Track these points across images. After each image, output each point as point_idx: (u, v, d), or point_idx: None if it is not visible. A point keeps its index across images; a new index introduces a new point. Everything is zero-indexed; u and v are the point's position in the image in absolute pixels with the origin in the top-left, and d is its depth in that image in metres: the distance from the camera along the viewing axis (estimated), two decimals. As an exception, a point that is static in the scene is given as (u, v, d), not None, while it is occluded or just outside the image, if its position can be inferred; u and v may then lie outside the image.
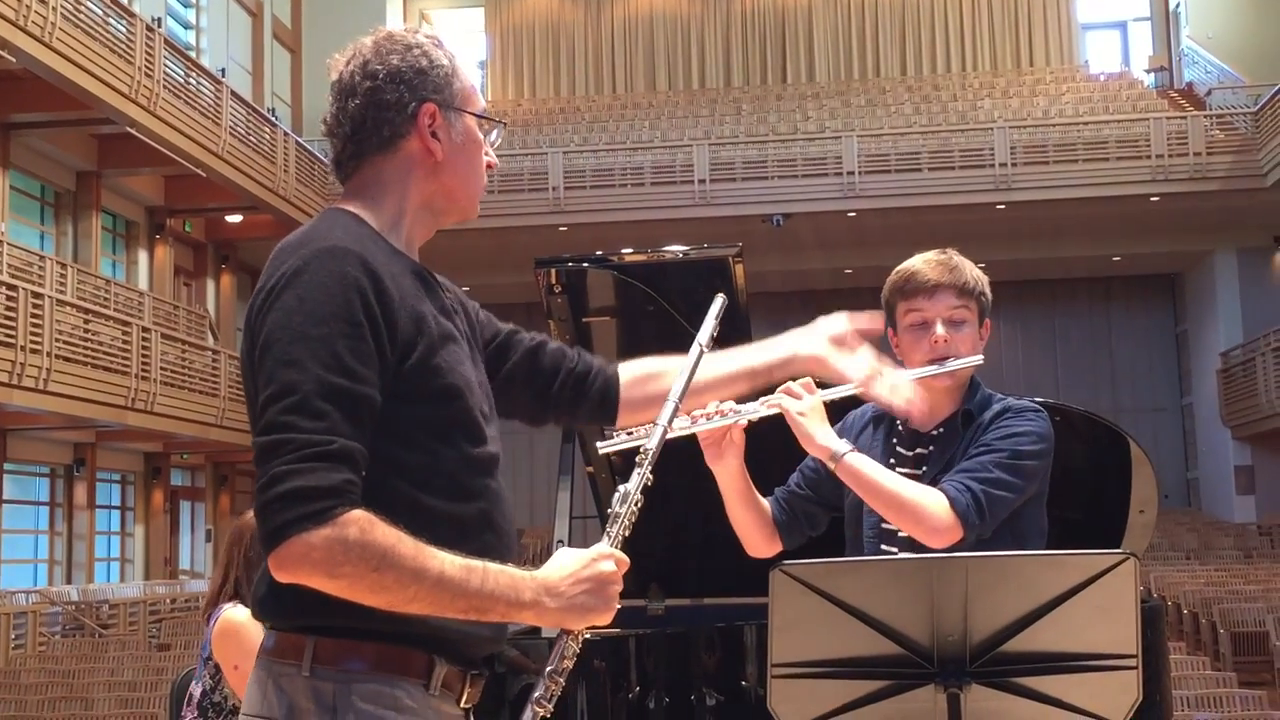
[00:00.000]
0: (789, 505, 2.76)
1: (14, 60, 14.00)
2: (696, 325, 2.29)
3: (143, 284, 19.39)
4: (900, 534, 2.61)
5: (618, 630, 3.47)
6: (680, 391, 2.19)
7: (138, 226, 19.72)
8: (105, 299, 17.16)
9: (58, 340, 14.24)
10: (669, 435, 2.14)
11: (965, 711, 2.11)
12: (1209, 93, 24.13)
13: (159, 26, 17.05)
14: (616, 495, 2.01)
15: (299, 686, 1.79)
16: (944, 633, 2.08)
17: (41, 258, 15.99)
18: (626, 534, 1.97)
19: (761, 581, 2.11)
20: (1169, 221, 21.39)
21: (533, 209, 20.95)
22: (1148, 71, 26.86)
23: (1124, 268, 24.08)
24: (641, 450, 2.09)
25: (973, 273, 2.71)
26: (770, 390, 2.42)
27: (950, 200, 20.54)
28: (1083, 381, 24.43)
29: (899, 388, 2.36)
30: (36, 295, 14.03)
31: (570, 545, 4.08)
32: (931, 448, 2.65)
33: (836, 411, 2.62)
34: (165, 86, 16.63)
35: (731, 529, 2.74)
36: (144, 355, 16.17)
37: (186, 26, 22.03)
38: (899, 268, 2.74)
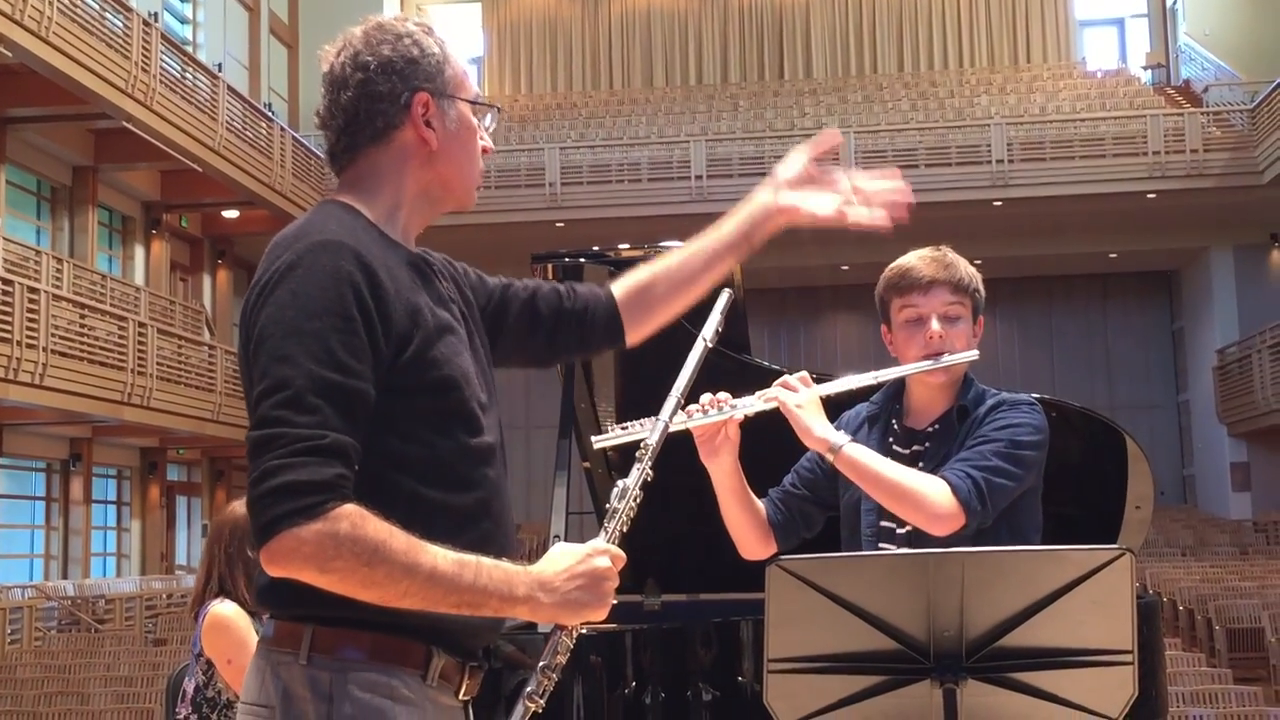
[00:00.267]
0: (785, 505, 2.75)
1: (10, 55, 13.98)
2: (692, 321, 2.29)
3: (139, 279, 19.38)
4: (899, 531, 2.61)
5: (614, 625, 3.47)
6: (683, 387, 2.19)
7: (134, 222, 19.70)
8: (101, 294, 17.15)
9: (54, 335, 14.23)
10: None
11: (961, 707, 2.11)
12: (1206, 90, 24.14)
13: (156, 21, 17.03)
14: (615, 490, 2.01)
15: (296, 675, 1.79)
16: (940, 628, 2.08)
17: (38, 253, 15.98)
18: (624, 529, 1.97)
19: (758, 577, 2.11)
20: (1166, 218, 21.40)
21: (530, 205, 20.94)
22: (1145, 68, 26.86)
23: (1121, 264, 24.09)
24: (642, 445, 2.09)
25: (967, 269, 2.71)
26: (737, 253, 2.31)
27: (947, 197, 20.52)
28: (1079, 378, 24.45)
29: (876, 196, 2.25)
30: (32, 290, 14.01)
31: (567, 541, 4.08)
32: (927, 444, 2.64)
33: (831, 409, 2.62)
34: (162, 81, 16.60)
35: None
36: (140, 350, 16.15)
37: (183, 21, 22.00)
38: (893, 264, 2.74)
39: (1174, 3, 26.43)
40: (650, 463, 2.07)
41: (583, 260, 4.10)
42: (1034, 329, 25.13)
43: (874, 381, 2.61)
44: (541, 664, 1.87)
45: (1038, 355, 25.07)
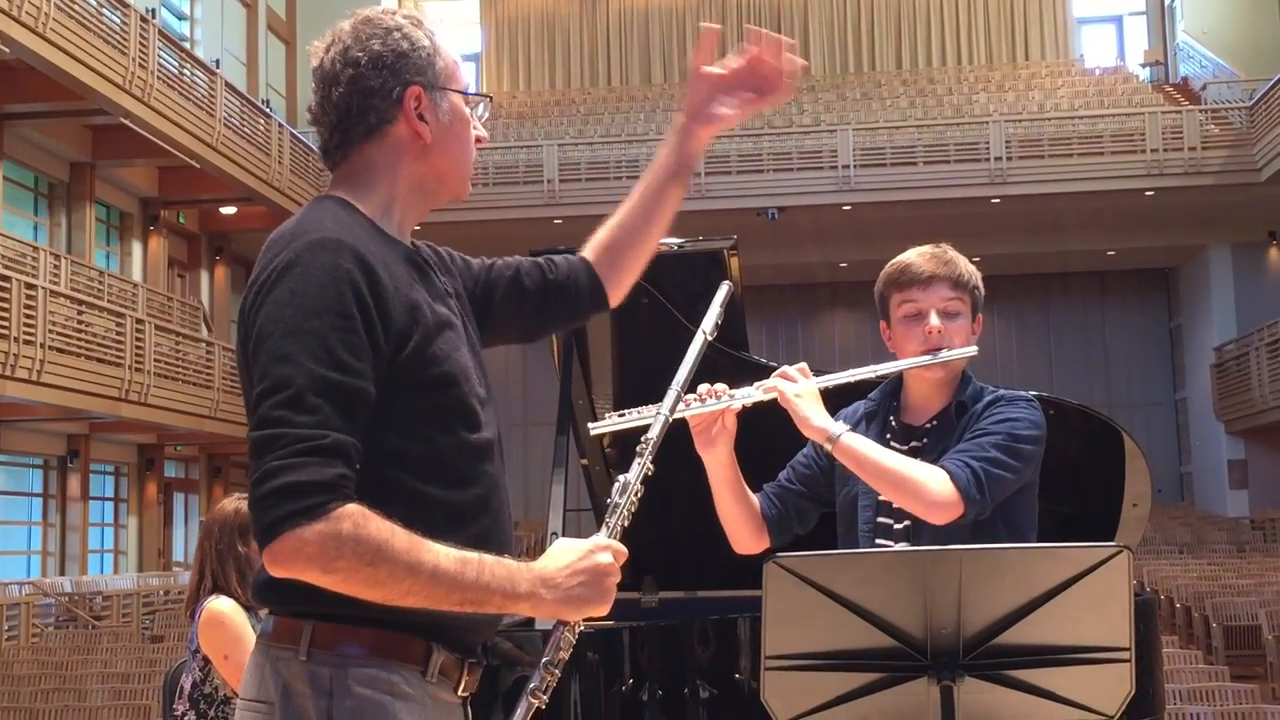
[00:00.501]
0: (780, 500, 2.75)
1: (8, 51, 13.97)
2: (691, 317, 2.29)
3: (136, 275, 19.37)
4: (896, 527, 2.61)
5: (611, 623, 3.47)
6: (684, 379, 2.19)
7: (131, 218, 19.68)
8: (99, 290, 17.14)
9: (51, 331, 14.23)
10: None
11: (958, 704, 2.11)
12: (1204, 87, 24.14)
13: (153, 17, 17.00)
14: (616, 485, 2.01)
15: (296, 670, 1.79)
16: (937, 625, 2.08)
17: (35, 249, 15.97)
18: (625, 525, 1.97)
19: (755, 574, 2.11)
20: (1164, 216, 21.41)
21: (528, 201, 20.94)
22: (1143, 66, 26.87)
23: (1119, 262, 24.10)
24: (642, 440, 2.09)
25: (967, 267, 2.71)
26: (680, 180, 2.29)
27: (945, 194, 20.54)
28: (1077, 376, 24.46)
29: (786, 70, 2.22)
30: (30, 286, 14.01)
31: (565, 538, 4.07)
32: (925, 440, 2.64)
33: (829, 406, 2.62)
34: (159, 78, 16.59)
35: (726, 521, 2.74)
36: (138, 347, 16.15)
37: (181, 18, 21.98)
38: (893, 261, 2.74)
39: (1172, 0, 26.43)
40: (651, 457, 2.06)
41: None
42: (1032, 326, 25.14)
43: (872, 375, 2.62)
44: (544, 660, 1.86)
45: (1035, 352, 25.08)
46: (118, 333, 15.86)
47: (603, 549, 1.88)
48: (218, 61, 20.12)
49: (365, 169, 1.95)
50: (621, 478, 2.02)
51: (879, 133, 21.67)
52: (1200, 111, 21.17)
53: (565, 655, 1.88)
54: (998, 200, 20.65)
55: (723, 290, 2.35)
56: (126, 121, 16.29)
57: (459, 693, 1.90)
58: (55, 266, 16.11)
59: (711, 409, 2.52)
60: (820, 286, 24.82)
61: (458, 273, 2.10)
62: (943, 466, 2.49)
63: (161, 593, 17.17)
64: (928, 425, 2.67)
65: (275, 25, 24.93)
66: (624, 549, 1.91)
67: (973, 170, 20.62)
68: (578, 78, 27.83)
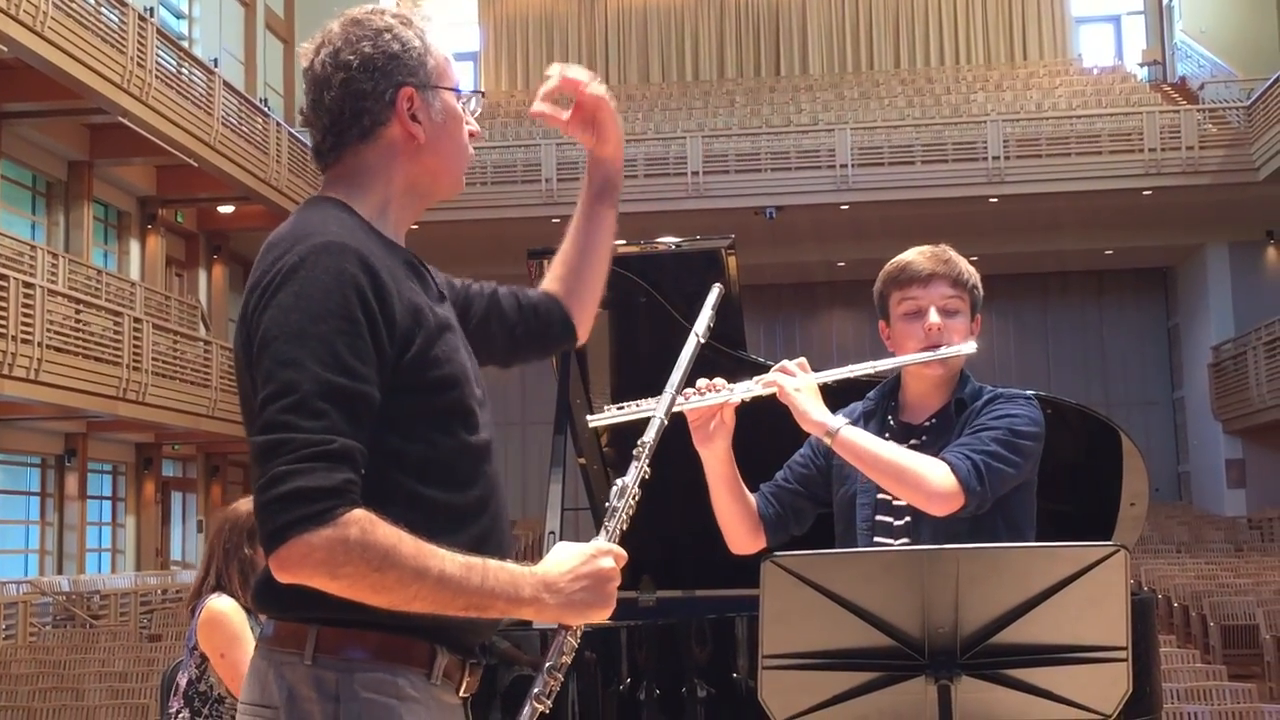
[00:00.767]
0: (777, 500, 2.75)
1: (5, 50, 13.95)
2: (688, 316, 2.29)
3: (134, 274, 19.35)
4: (896, 524, 2.61)
5: (609, 622, 3.47)
6: (678, 382, 2.19)
7: (129, 216, 19.67)
8: (97, 289, 17.13)
9: (49, 330, 14.21)
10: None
11: (956, 703, 2.11)
12: (1202, 87, 24.15)
13: (151, 16, 16.99)
14: (614, 489, 2.01)
15: (300, 675, 1.79)
16: (935, 624, 2.08)
17: (33, 247, 15.96)
18: (624, 528, 1.97)
19: (753, 573, 2.11)
20: (1161, 215, 21.42)
21: (526, 200, 20.94)
22: (1141, 65, 26.88)
23: (1116, 261, 24.11)
24: (639, 444, 2.09)
25: (966, 266, 2.73)
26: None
27: (943, 193, 20.55)
28: (1074, 375, 24.47)
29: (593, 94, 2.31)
30: (28, 285, 13.99)
31: (562, 537, 4.08)
32: (925, 437, 2.64)
33: (827, 406, 2.62)
34: (157, 76, 16.57)
35: (724, 520, 2.73)
36: (135, 346, 16.14)
37: (179, 16, 21.97)
38: (892, 260, 2.75)
39: (1170, 0, 26.44)
40: (648, 460, 2.06)
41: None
42: (1030, 325, 25.16)
43: (872, 371, 2.62)
44: (548, 664, 1.87)
45: (1033, 352, 25.09)
46: (115, 332, 15.85)
47: (605, 554, 1.88)
48: (216, 60, 20.13)
49: (359, 170, 1.95)
50: (619, 481, 2.02)
51: (877, 132, 21.68)
52: (1198, 111, 21.18)
53: (568, 660, 1.88)
54: (995, 200, 20.66)
55: (714, 293, 2.36)
56: (124, 120, 16.28)
57: (460, 693, 1.90)
58: (53, 265, 16.09)
59: (710, 403, 2.52)
60: (818, 286, 24.83)
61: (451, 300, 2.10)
62: (943, 458, 2.50)
63: (159, 592, 17.17)
64: (927, 423, 2.67)
65: (274, 24, 24.92)
66: (624, 554, 1.91)
67: (970, 170, 20.63)
68: (576, 77, 27.80)
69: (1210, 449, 22.89)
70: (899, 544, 2.58)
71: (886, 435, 2.69)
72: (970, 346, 2.64)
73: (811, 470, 2.76)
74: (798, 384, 2.54)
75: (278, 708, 1.79)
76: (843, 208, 21.02)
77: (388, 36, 1.93)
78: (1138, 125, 20.61)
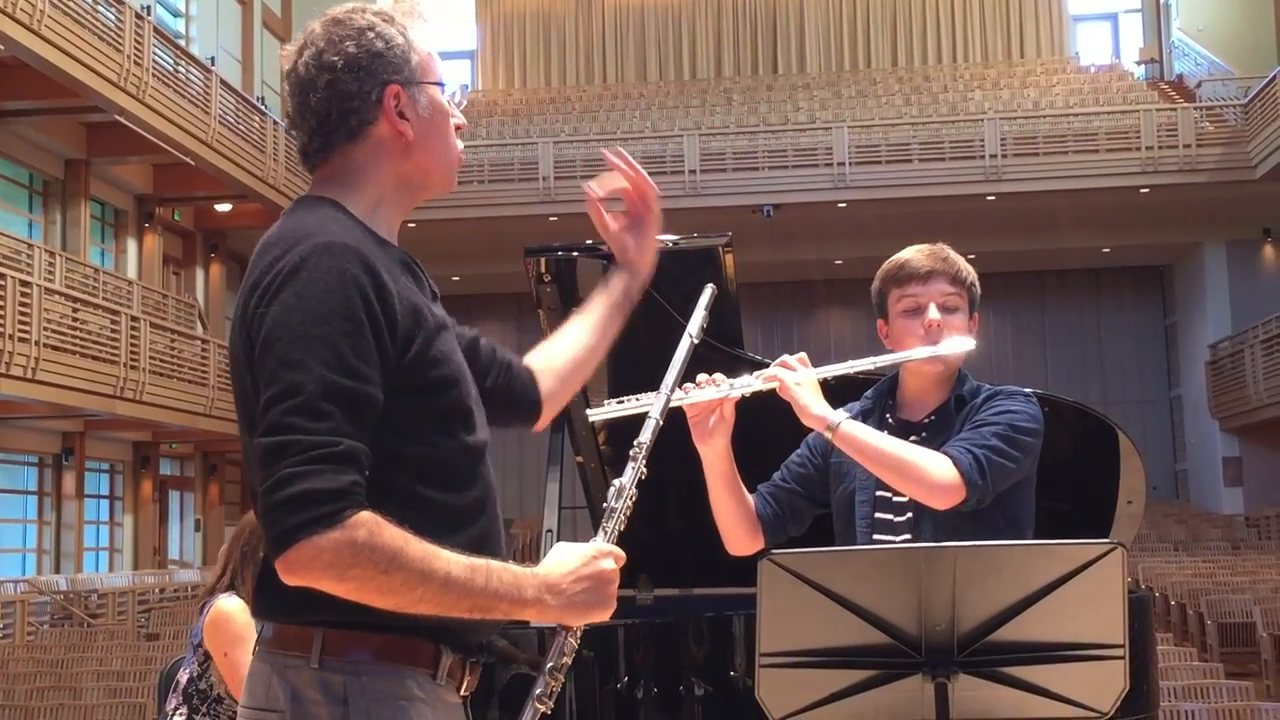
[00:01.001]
0: (774, 500, 2.75)
1: (2, 48, 13.94)
2: (685, 314, 2.30)
3: (131, 273, 19.34)
4: (897, 520, 2.61)
5: (606, 620, 3.47)
6: (672, 383, 2.19)
7: (126, 215, 19.66)
8: (94, 288, 17.11)
9: (46, 329, 14.20)
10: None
11: (952, 701, 2.11)
12: (1199, 85, 24.17)
13: (148, 14, 16.98)
14: (611, 490, 2.01)
15: (306, 678, 1.78)
16: (932, 622, 2.09)
17: (30, 246, 15.94)
18: (621, 529, 1.97)
19: (750, 572, 2.11)
20: (1159, 213, 21.43)
21: (523, 198, 20.93)
22: (1138, 63, 26.90)
23: (1113, 259, 24.12)
24: (635, 444, 2.09)
25: (964, 265, 2.74)
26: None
27: (940, 191, 20.56)
28: (1072, 373, 24.48)
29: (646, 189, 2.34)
30: (24, 284, 13.98)
31: (559, 536, 4.08)
32: (924, 434, 2.65)
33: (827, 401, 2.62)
34: (154, 75, 16.56)
35: (721, 518, 2.73)
36: (133, 344, 16.12)
37: (176, 15, 21.94)
38: (891, 259, 2.75)
39: (1167, -2, 26.47)
40: (644, 461, 2.07)
41: (575, 254, 4.07)
42: (1027, 324, 25.16)
43: (871, 366, 2.62)
44: (549, 665, 1.87)
45: (1030, 350, 25.10)
46: (112, 330, 15.84)
47: (605, 555, 1.88)
48: (213, 59, 20.11)
49: (349, 170, 1.94)
50: (616, 482, 2.02)
51: (874, 130, 21.69)
52: (1195, 109, 21.19)
53: (568, 661, 1.89)
54: (993, 198, 20.66)
55: (707, 292, 2.37)
56: (121, 119, 16.26)
57: (461, 692, 1.90)
58: (50, 264, 16.07)
59: (710, 397, 2.52)
60: (816, 284, 24.83)
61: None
62: (945, 452, 2.50)
63: (157, 591, 17.16)
64: (926, 420, 2.67)
65: (271, 22, 24.90)
66: (623, 554, 1.92)
67: (968, 168, 20.63)
68: (573, 75, 27.82)
69: (1207, 447, 22.91)
70: (901, 540, 2.58)
71: (885, 433, 2.69)
72: (970, 343, 2.64)
73: (809, 470, 2.76)
74: (798, 379, 2.54)
75: (282, 711, 1.79)
76: (840, 206, 21.02)
77: (371, 35, 1.92)
78: (1135, 123, 20.62)
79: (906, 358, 2.64)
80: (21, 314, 13.73)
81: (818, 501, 2.76)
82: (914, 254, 2.72)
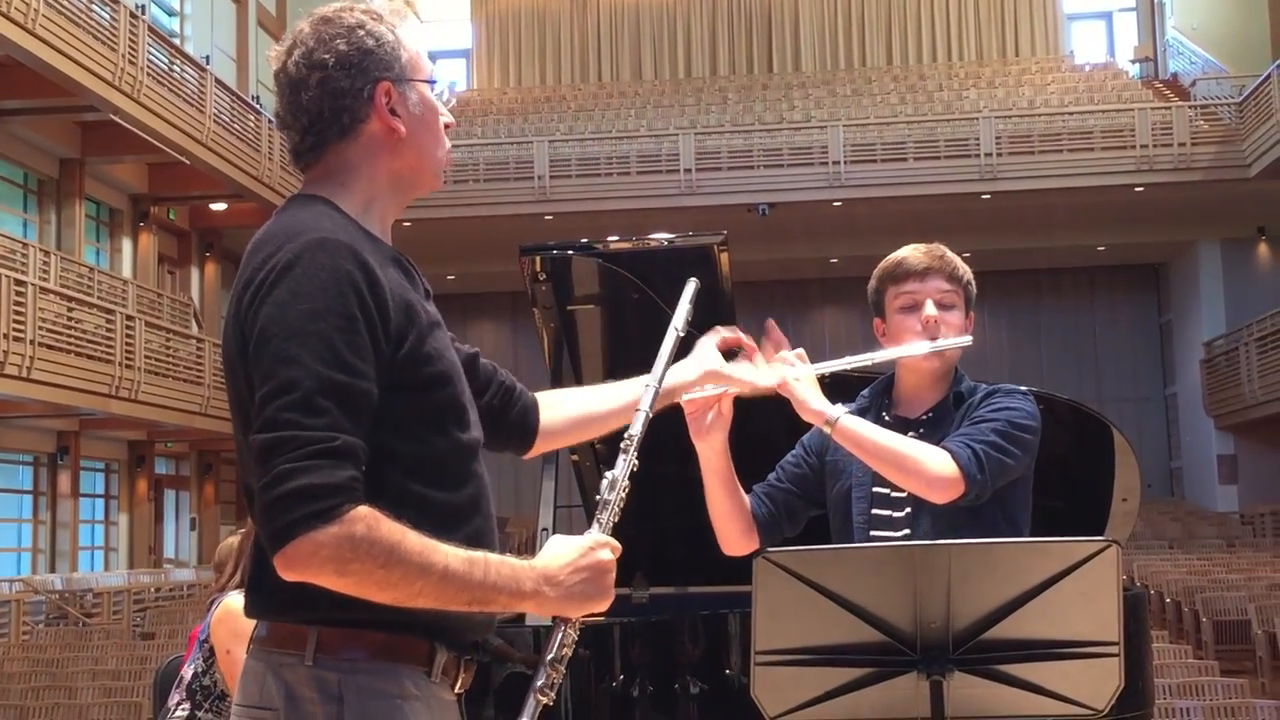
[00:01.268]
0: (770, 500, 2.75)
1: (-3, 47, 13.93)
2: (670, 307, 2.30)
3: (126, 272, 19.31)
4: (896, 516, 2.61)
5: (602, 618, 3.47)
6: (660, 375, 2.20)
7: (121, 214, 19.63)
8: (89, 287, 17.09)
9: (41, 328, 14.18)
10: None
11: (948, 698, 2.12)
12: (1193, 83, 24.19)
13: (143, 13, 16.95)
14: (605, 482, 2.02)
15: (301, 676, 1.78)
16: (927, 620, 2.09)
17: (24, 245, 15.91)
18: (615, 521, 1.98)
19: (746, 570, 2.11)
20: (1153, 212, 21.45)
21: (518, 198, 20.92)
22: (1133, 62, 26.92)
23: (1108, 258, 24.15)
24: (626, 436, 2.10)
25: (960, 263, 2.75)
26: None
27: (936, 190, 20.57)
28: (1067, 371, 24.50)
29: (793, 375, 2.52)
30: (19, 283, 13.96)
31: (555, 533, 4.07)
32: (922, 430, 2.65)
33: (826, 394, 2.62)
34: (149, 74, 16.53)
35: (716, 516, 2.74)
36: (128, 343, 16.10)
37: (170, 14, 21.91)
38: (888, 258, 2.76)
39: (1162, -4, 26.49)
40: (636, 453, 2.07)
41: (571, 252, 4.08)
42: (1022, 322, 25.18)
43: (869, 362, 2.62)
44: (549, 658, 1.87)
45: (1025, 348, 25.12)
46: (108, 329, 15.83)
47: (601, 546, 1.89)
48: (208, 58, 20.07)
49: (342, 168, 1.94)
50: (609, 474, 2.03)
51: (869, 129, 21.70)
52: (1190, 107, 21.22)
53: (568, 652, 1.89)
54: (988, 196, 20.68)
55: (690, 286, 2.38)
56: (116, 118, 16.24)
57: (455, 690, 1.91)
58: (45, 263, 16.05)
59: (709, 392, 2.52)
60: (811, 283, 24.84)
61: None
62: (944, 447, 2.51)
63: (152, 590, 17.14)
64: (923, 417, 2.68)
65: (265, 21, 24.88)
66: (619, 545, 1.92)
67: (963, 166, 20.65)
68: (568, 74, 27.81)
69: (1202, 445, 22.94)
70: (900, 536, 2.58)
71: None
72: (966, 339, 2.65)
73: (804, 469, 2.76)
74: (796, 374, 2.55)
75: (277, 709, 1.79)
76: (835, 205, 21.03)
77: (361, 33, 1.92)
78: (1129, 122, 20.64)
79: (905, 352, 2.64)
80: (16, 313, 13.71)
81: (813, 502, 2.77)
82: (911, 252, 2.73)
